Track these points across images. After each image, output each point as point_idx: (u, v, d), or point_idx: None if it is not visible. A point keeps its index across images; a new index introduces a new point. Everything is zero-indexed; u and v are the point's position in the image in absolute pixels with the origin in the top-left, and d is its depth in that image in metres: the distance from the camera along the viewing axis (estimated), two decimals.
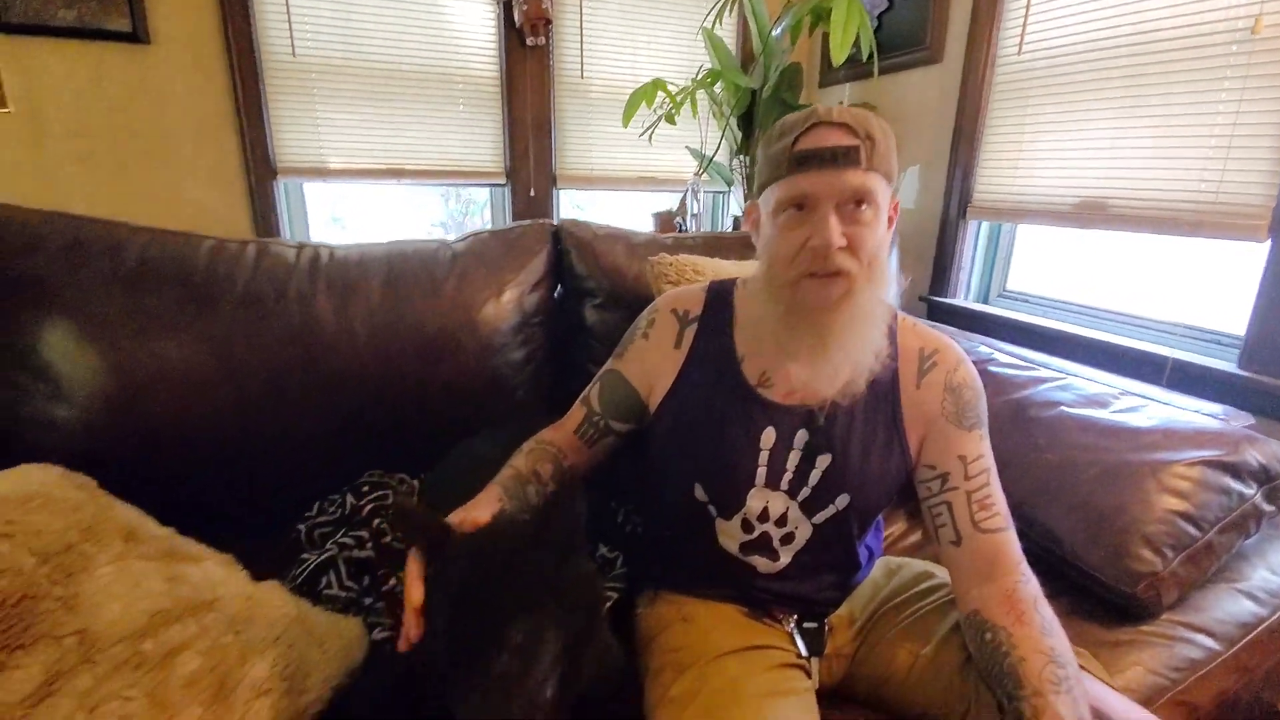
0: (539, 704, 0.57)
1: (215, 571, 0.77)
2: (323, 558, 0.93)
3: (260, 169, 2.14)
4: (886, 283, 0.78)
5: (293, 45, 2.09)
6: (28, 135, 1.88)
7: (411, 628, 0.62)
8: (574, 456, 0.91)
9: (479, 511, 0.71)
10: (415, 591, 0.63)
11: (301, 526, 1.06)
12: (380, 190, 2.51)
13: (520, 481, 0.83)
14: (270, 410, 1.05)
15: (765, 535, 0.84)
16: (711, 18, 2.20)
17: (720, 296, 0.90)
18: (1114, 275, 1.78)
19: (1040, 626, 0.72)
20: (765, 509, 0.84)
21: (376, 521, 1.01)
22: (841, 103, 2.37)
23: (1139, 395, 1.18)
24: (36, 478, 0.76)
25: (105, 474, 0.83)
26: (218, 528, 0.86)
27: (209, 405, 1.02)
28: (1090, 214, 1.62)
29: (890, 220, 0.78)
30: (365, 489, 1.12)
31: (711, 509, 0.86)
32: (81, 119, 1.92)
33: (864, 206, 0.73)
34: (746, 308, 0.87)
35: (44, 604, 0.58)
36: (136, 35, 1.89)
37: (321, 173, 2.23)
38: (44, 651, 0.55)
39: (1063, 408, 1.17)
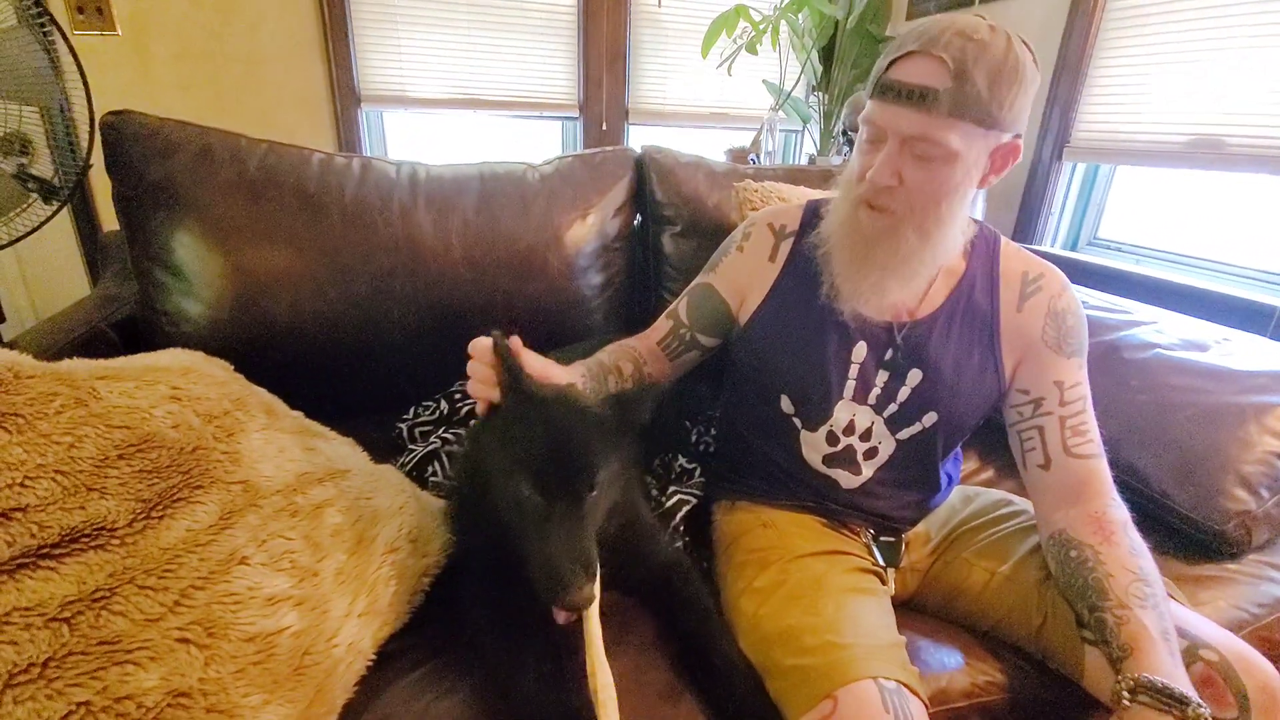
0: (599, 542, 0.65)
1: (342, 449, 0.84)
2: (428, 449, 1.01)
3: (345, 96, 2.20)
4: (942, 232, 0.76)
5: None
6: (136, 60, 1.97)
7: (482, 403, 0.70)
8: (655, 366, 0.95)
9: (558, 372, 0.76)
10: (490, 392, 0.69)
11: (402, 426, 1.14)
12: (456, 124, 2.54)
13: (603, 370, 0.87)
14: (376, 312, 1.13)
15: (849, 449, 0.87)
16: None
17: (818, 213, 0.90)
18: (1217, 222, 1.67)
19: (1129, 547, 0.73)
20: (851, 422, 0.85)
21: (473, 423, 1.08)
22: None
23: (1242, 341, 1.13)
24: (186, 357, 0.84)
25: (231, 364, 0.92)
26: (326, 421, 0.93)
27: (321, 304, 1.09)
28: (1204, 154, 1.52)
29: (998, 165, 0.75)
30: (458, 396, 1.19)
31: (796, 420, 0.88)
32: (183, 45, 2.00)
33: (934, 153, 0.71)
34: (823, 229, 0.88)
35: (213, 455, 0.65)
36: None
37: (402, 101, 2.27)
38: (218, 493, 0.63)
39: (1158, 349, 1.14)
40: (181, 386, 0.71)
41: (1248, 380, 1.02)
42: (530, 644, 0.69)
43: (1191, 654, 0.68)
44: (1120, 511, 0.77)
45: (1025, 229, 1.99)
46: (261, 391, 0.85)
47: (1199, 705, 0.58)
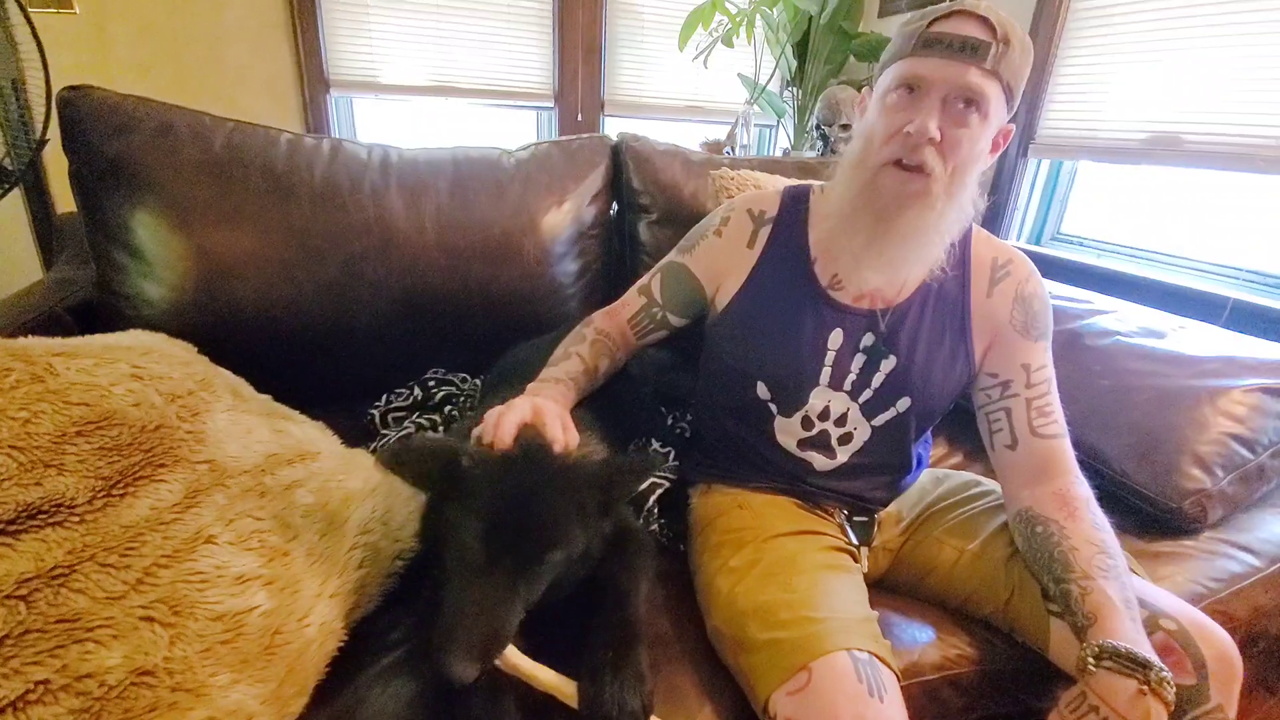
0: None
1: (311, 431, 0.83)
2: (402, 433, 0.99)
3: (314, 82, 2.15)
4: (964, 202, 0.77)
5: None
6: (94, 39, 1.91)
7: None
8: (622, 348, 0.96)
9: (559, 399, 0.79)
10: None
11: (374, 411, 1.12)
12: (427, 113, 2.50)
13: (587, 377, 0.89)
14: (346, 297, 1.10)
15: (824, 433, 0.88)
16: None
17: (796, 199, 0.91)
18: (1175, 218, 1.74)
19: (1091, 522, 0.75)
20: (826, 408, 0.86)
21: (448, 408, 1.07)
22: None
23: (1197, 329, 1.17)
24: (149, 337, 0.82)
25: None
26: (293, 407, 0.91)
27: (289, 289, 1.07)
28: (1163, 150, 1.57)
29: (996, 145, 0.77)
30: (431, 383, 1.18)
31: (773, 406, 0.88)
32: (143, 23, 1.94)
33: (972, 111, 0.72)
34: (822, 209, 0.88)
35: (177, 434, 0.63)
36: None
37: (373, 87, 2.24)
38: (182, 472, 0.61)
39: (1118, 336, 1.18)
40: (143, 365, 0.69)
41: (1202, 365, 1.06)
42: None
43: (1152, 624, 0.70)
44: (1083, 489, 0.79)
45: (991, 223, 2.04)
46: (227, 373, 0.84)
47: (1161, 669, 0.60)
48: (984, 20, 0.71)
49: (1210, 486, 0.96)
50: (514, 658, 0.60)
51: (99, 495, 0.56)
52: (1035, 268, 0.88)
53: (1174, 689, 0.60)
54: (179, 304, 1.03)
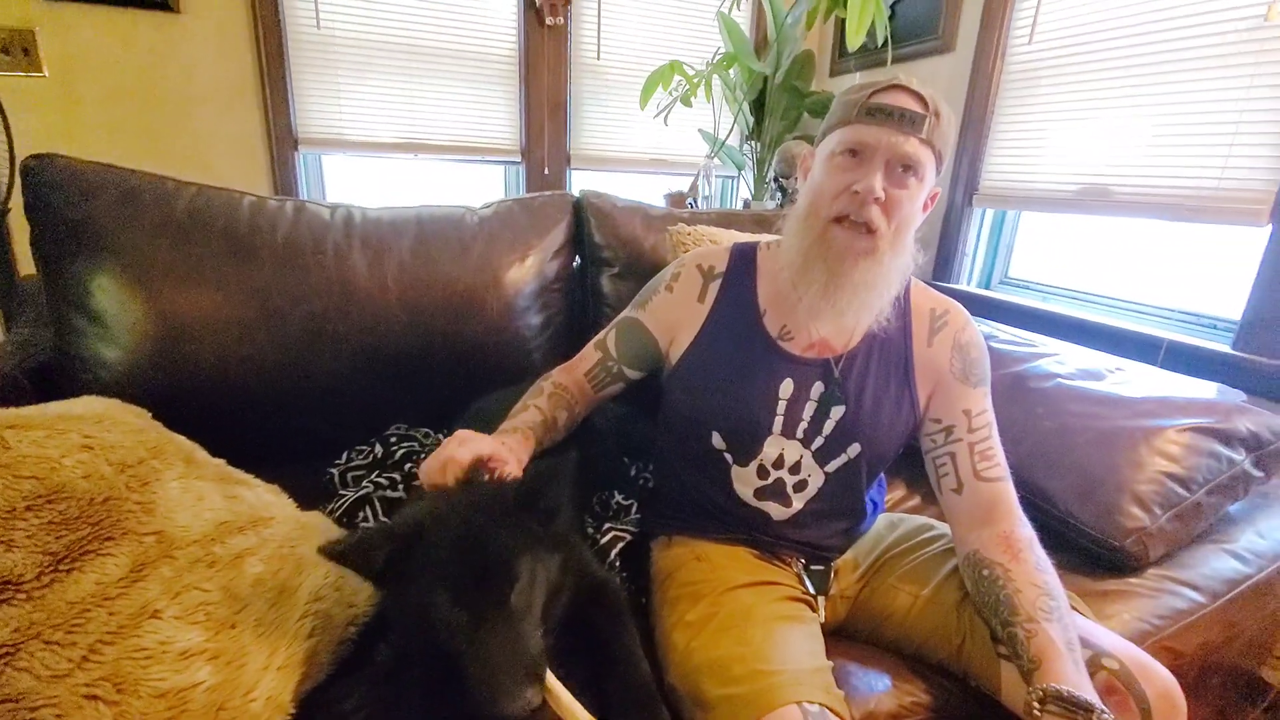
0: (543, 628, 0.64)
1: (266, 495, 0.83)
2: (360, 494, 0.99)
3: (282, 140, 2.19)
4: (906, 257, 0.84)
5: (318, 18, 2.13)
6: (63, 101, 1.92)
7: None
8: (581, 402, 0.98)
9: (519, 448, 0.81)
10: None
11: (333, 470, 1.11)
12: (397, 169, 2.55)
13: (545, 429, 0.91)
14: (307, 355, 1.11)
15: (779, 482, 0.90)
16: (728, 2, 2.24)
17: (744, 255, 0.95)
18: (1112, 262, 1.83)
19: (1034, 564, 0.78)
20: (781, 456, 0.89)
21: (408, 466, 1.07)
22: None
23: (1134, 370, 1.23)
24: (101, 404, 0.81)
25: (150, 411, 0.89)
26: (251, 468, 0.91)
27: (249, 349, 1.07)
28: (1093, 200, 1.67)
29: (926, 206, 0.84)
30: (393, 439, 1.18)
31: (728, 456, 0.91)
32: (112, 87, 1.97)
33: (910, 175, 0.78)
34: (769, 265, 0.93)
35: (125, 505, 0.63)
36: (166, 4, 1.93)
37: (341, 145, 2.28)
38: (130, 544, 0.60)
39: (1060, 379, 1.23)
40: (94, 435, 0.69)
41: (1138, 406, 1.12)
42: None
43: (1095, 664, 0.72)
44: (1026, 530, 0.82)
45: (943, 269, 2.13)
46: (180, 439, 0.83)
47: (1103, 712, 0.62)
48: (918, 95, 0.78)
49: (1150, 525, 0.99)
50: (555, 688, 0.61)
51: (46, 571, 0.55)
52: (970, 317, 0.93)
53: None
54: (136, 366, 1.03)
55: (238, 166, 2.18)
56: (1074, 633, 0.72)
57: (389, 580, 0.63)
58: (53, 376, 1.07)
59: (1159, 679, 0.72)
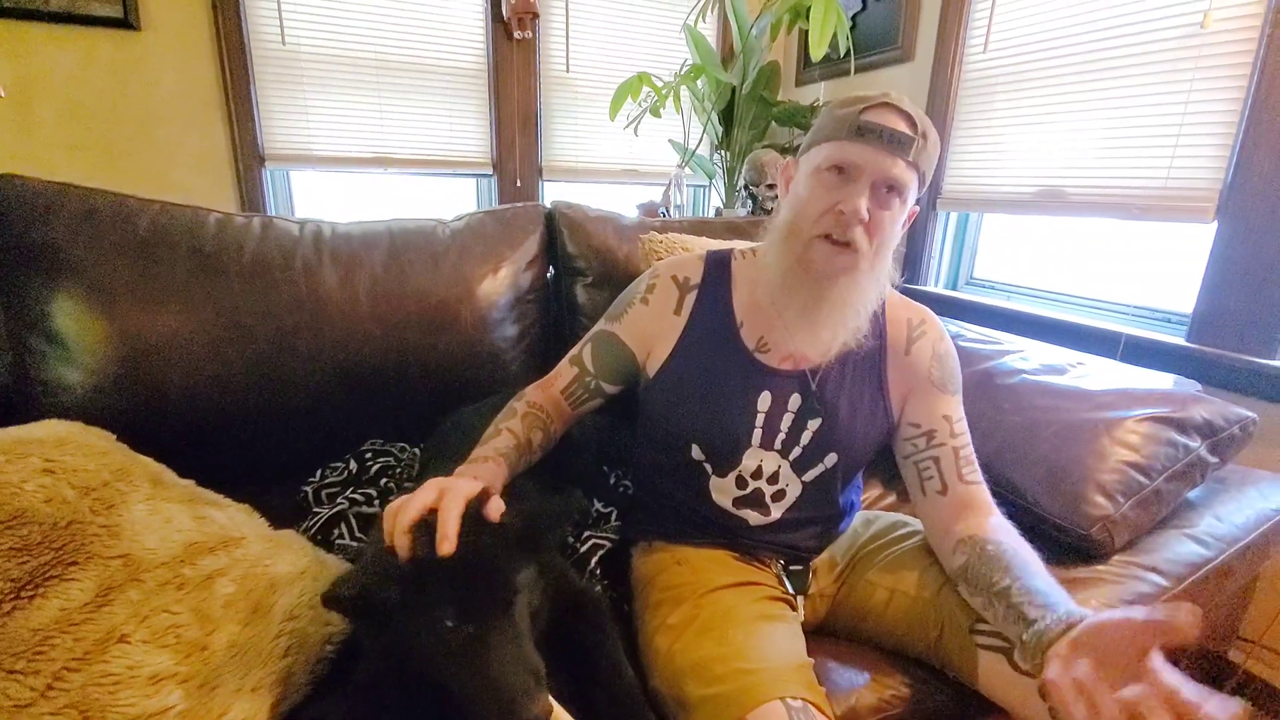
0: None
1: (237, 515, 0.81)
2: (334, 511, 0.97)
3: (248, 156, 2.16)
4: (884, 276, 0.85)
5: (282, 33, 2.12)
6: (18, 121, 1.88)
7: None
8: (558, 420, 0.96)
9: (490, 478, 0.76)
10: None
11: (307, 488, 1.10)
12: (367, 183, 2.53)
13: (519, 452, 0.87)
14: (278, 373, 1.09)
15: (758, 491, 0.90)
16: (694, 15, 2.27)
17: (719, 265, 0.95)
18: (1072, 261, 1.89)
19: (1020, 539, 0.80)
20: (759, 467, 0.90)
21: (384, 481, 1.06)
22: (822, 101, 2.46)
23: (1095, 364, 1.27)
24: (63, 427, 0.80)
25: (116, 433, 0.87)
26: (223, 488, 0.89)
27: (218, 367, 1.05)
28: (1050, 202, 1.73)
29: (905, 224, 0.85)
30: (368, 455, 1.17)
31: (707, 466, 0.91)
32: (71, 105, 1.93)
33: (894, 196, 0.79)
34: (745, 275, 0.93)
35: (90, 529, 0.62)
36: (127, 21, 1.90)
37: (309, 160, 2.26)
38: (95, 569, 0.59)
39: (1024, 374, 1.27)
40: (55, 458, 0.67)
41: (1099, 398, 1.15)
42: None
43: None
44: (1004, 519, 0.84)
45: (911, 271, 2.17)
46: (147, 460, 0.81)
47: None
48: (908, 116, 0.78)
49: (1114, 513, 1.02)
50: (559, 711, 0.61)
51: (7, 598, 0.54)
52: (944, 327, 0.95)
53: None
54: (100, 388, 1.01)
55: (203, 184, 2.14)
56: None
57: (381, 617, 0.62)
58: (11, 401, 1.04)
59: None
